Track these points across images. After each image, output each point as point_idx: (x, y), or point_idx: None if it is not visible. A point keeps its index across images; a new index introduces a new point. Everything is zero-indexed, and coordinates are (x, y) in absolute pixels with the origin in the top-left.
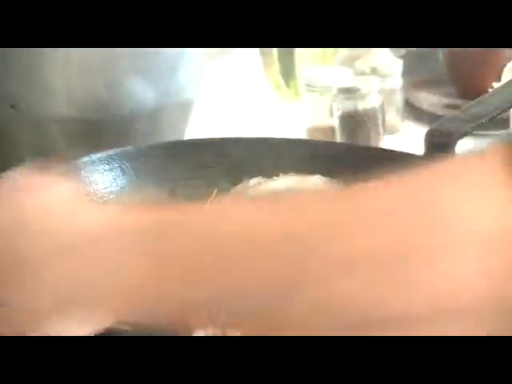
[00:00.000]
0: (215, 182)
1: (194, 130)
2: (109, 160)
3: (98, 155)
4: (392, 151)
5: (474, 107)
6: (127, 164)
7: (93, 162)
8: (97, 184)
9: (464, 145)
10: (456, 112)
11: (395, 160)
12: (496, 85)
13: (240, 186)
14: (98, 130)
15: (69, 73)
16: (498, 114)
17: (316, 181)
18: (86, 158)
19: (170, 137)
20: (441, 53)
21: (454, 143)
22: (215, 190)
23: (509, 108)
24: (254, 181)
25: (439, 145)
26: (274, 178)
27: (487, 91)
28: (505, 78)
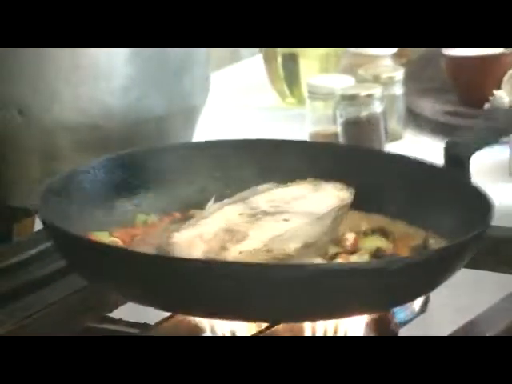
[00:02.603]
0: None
1: (201, 135)
2: (133, 158)
3: (127, 151)
4: (410, 158)
5: (497, 120)
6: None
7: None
8: (125, 180)
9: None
10: (480, 123)
11: (413, 167)
12: (496, 92)
13: (246, 192)
14: (105, 136)
15: (76, 79)
16: None
17: (330, 189)
18: (110, 155)
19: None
20: (442, 60)
21: (469, 157)
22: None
23: None
24: (263, 187)
25: (456, 156)
26: (288, 184)
27: (487, 99)
28: (505, 86)
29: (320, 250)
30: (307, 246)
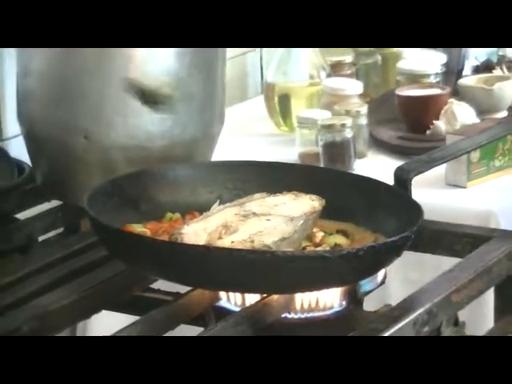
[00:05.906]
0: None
1: (218, 155)
2: (165, 171)
3: (160, 166)
4: (370, 179)
5: (436, 153)
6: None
7: (158, 171)
8: (157, 185)
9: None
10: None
11: (371, 186)
12: (435, 122)
13: (244, 198)
14: (147, 155)
15: (126, 112)
16: (453, 159)
17: (306, 199)
18: (148, 168)
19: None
20: (395, 99)
21: (411, 179)
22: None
23: (461, 155)
24: (257, 195)
25: (402, 178)
26: (277, 194)
27: (429, 127)
28: (442, 118)
29: (294, 243)
30: (282, 240)
